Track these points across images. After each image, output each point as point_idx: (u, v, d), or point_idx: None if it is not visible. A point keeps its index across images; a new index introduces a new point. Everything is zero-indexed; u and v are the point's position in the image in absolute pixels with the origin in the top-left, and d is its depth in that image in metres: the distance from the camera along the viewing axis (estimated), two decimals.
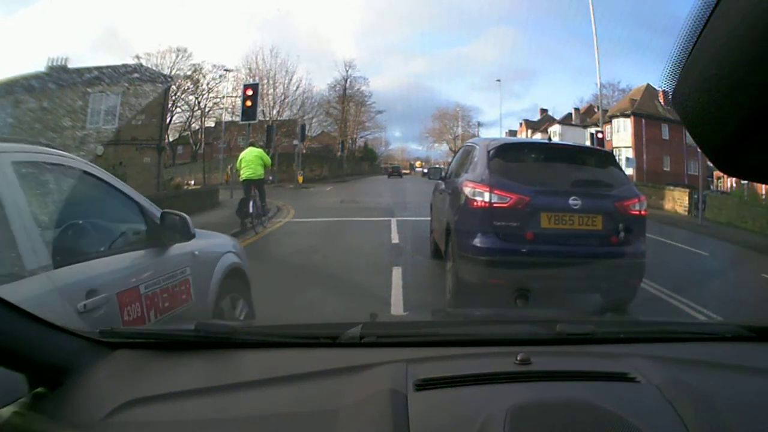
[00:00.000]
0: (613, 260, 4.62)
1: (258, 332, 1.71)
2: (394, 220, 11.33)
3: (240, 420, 1.19)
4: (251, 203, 10.35)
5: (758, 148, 0.52)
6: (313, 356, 1.52)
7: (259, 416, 1.20)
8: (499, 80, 43.06)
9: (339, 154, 41.54)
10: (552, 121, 43.97)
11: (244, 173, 10.69)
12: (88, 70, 16.48)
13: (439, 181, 7.03)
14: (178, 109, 40.05)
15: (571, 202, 4.57)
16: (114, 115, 15.39)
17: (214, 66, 38.87)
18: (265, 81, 38.17)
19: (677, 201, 21.68)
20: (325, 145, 43.85)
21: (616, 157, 6.41)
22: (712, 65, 0.50)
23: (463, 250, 4.78)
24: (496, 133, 44.35)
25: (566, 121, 43.10)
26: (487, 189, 4.64)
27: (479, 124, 46.91)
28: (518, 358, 1.37)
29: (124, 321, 2.22)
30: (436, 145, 48.56)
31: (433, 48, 67.52)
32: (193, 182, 23.15)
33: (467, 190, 4.88)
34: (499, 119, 60.30)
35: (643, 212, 4.89)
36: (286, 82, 38.84)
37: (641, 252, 4.81)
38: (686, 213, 20.50)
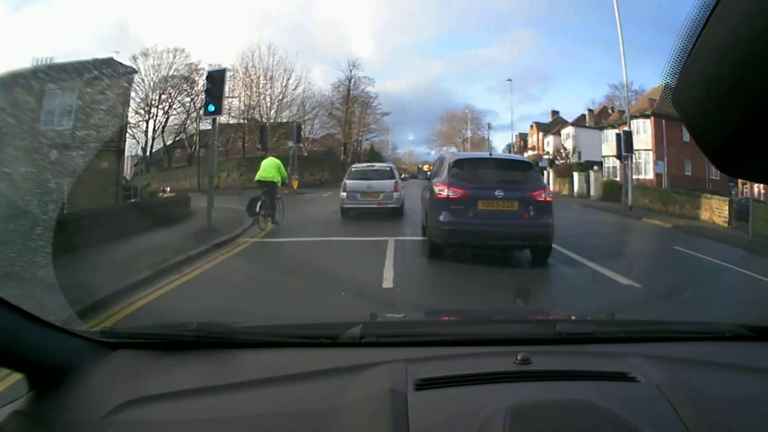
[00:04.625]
0: (525, 228, 7.33)
1: (258, 332, 1.69)
2: (391, 242, 9.06)
3: (240, 420, 1.19)
4: (259, 203, 11.07)
5: (758, 148, 0.51)
6: (313, 356, 1.52)
7: (259, 416, 1.20)
8: (510, 80, 41.77)
9: (342, 157, 39.51)
10: (564, 123, 42.60)
11: (258, 175, 11.67)
12: (50, 67, 14.39)
13: (426, 180, 10.19)
14: (174, 111, 38.49)
15: (496, 193, 7.29)
16: (69, 114, 13.25)
17: (210, 65, 37.17)
18: (262, 80, 36.35)
19: (715, 210, 19.28)
20: (328, 148, 41.83)
21: (534, 165, 9.42)
22: (712, 65, 0.50)
23: (432, 223, 7.62)
24: (507, 136, 48.22)
25: (580, 122, 41.55)
26: (446, 187, 7.45)
27: (489, 126, 45.23)
28: (518, 358, 1.37)
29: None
30: (445, 148, 46.67)
31: (451, 50, 66.07)
32: (169, 189, 21.07)
33: (436, 188, 7.71)
34: (511, 120, 60.35)
35: (548, 199, 7.51)
36: (284, 80, 36.94)
37: (547, 223, 7.33)
38: (726, 224, 18.12)
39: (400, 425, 1.08)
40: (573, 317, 2.31)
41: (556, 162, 36.57)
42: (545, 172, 34.07)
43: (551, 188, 30.67)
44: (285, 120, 36.49)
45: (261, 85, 35.80)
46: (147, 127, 38.36)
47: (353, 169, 14.51)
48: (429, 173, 10.20)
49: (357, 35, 63.22)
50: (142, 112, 37.41)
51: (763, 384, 1.38)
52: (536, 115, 49.55)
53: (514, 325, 2.00)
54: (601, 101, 43.20)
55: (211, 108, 10.92)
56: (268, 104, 35.80)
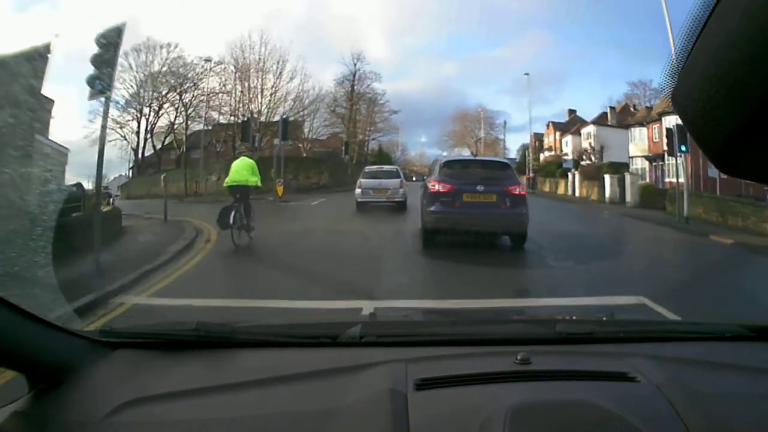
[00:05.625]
0: (502, 216, 8.78)
1: (258, 332, 1.70)
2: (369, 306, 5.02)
3: (240, 420, 1.19)
4: (233, 213, 9.18)
5: (758, 148, 0.51)
6: (313, 356, 1.52)
7: (259, 416, 1.20)
8: (527, 74, 39.16)
9: (344, 157, 36.12)
10: (582, 122, 40.06)
11: (229, 179, 9.86)
12: None
13: (424, 179, 12.51)
14: (164, 110, 35.63)
15: (478, 188, 8.80)
16: None
17: (199, 58, 34.18)
18: (253, 71, 32.87)
19: None
20: (333, 149, 38.44)
21: (512, 165, 11.06)
22: (712, 65, 0.50)
23: (426, 213, 9.19)
24: (520, 137, 50.56)
25: (601, 121, 38.50)
26: (437, 183, 9.02)
27: (505, 124, 42.38)
28: (518, 358, 1.38)
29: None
30: (457, 149, 43.44)
31: (462, 51, 65.59)
32: (112, 199, 17.59)
33: (429, 185, 9.42)
34: (529, 117, 57.71)
35: (521, 193, 9.06)
36: (277, 70, 33.24)
37: (521, 213, 8.87)
38: None
39: (400, 425, 1.09)
40: (573, 317, 2.31)
41: (582, 163, 32.87)
42: (569, 174, 30.47)
43: (577, 193, 27.41)
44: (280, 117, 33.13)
45: (252, 78, 32.41)
46: (138, 127, 35.76)
47: (366, 170, 17.41)
48: (427, 174, 12.79)
49: (368, 36, 62.32)
50: (133, 111, 35.02)
51: (763, 384, 1.39)
52: (549, 117, 48.28)
53: (514, 324, 2.01)
54: (619, 99, 40.51)
55: (98, 84, 7.34)
56: (260, 99, 32.32)
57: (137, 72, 34.69)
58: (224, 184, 9.97)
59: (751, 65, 0.46)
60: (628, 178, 23.41)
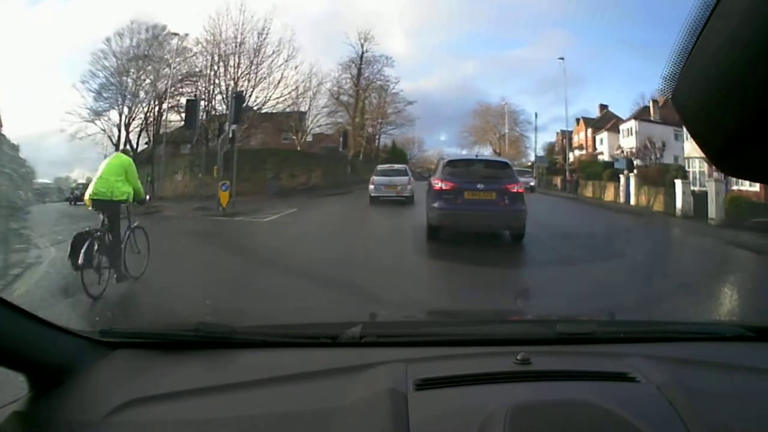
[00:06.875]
0: (501, 213, 9.45)
1: (258, 332, 1.70)
2: None
3: (240, 420, 1.19)
4: (87, 243, 5.53)
5: (758, 148, 0.51)
6: (313, 356, 1.52)
7: (259, 416, 1.20)
8: (562, 58, 32.68)
9: (345, 152, 30.41)
10: (617, 118, 35.27)
11: (93, 189, 6.11)
12: None
13: (429, 178, 12.61)
14: (139, 100, 30.31)
15: (478, 186, 9.47)
16: None
17: (173, 34, 28.77)
18: (229, 46, 27.14)
19: None
20: (337, 144, 32.81)
21: (511, 164, 11.24)
22: (712, 65, 0.50)
23: (430, 209, 9.91)
24: (541, 137, 48.04)
25: (642, 115, 32.65)
26: (440, 181, 9.73)
27: (536, 116, 38.19)
28: (518, 358, 1.38)
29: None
30: (477, 147, 37.87)
31: (484, 50, 60.65)
32: None
33: (433, 183, 10.08)
34: (565, 108, 54.48)
35: (519, 191, 9.67)
36: (256, 41, 27.30)
37: (519, 209, 9.51)
38: None
39: (400, 425, 1.09)
40: (573, 318, 2.28)
41: (637, 163, 26.64)
42: (622, 176, 24.39)
43: (632, 200, 21.71)
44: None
45: (226, 54, 26.59)
46: (120, 120, 30.59)
47: (379, 169, 19.46)
48: (431, 173, 14.74)
49: (387, 32, 58.81)
50: (113, 101, 30.03)
51: (763, 384, 1.39)
52: (572, 115, 44.31)
53: (514, 325, 2.00)
54: (653, 94, 35.26)
55: None
56: (232, 79, 26.37)
57: (118, 59, 29.87)
58: (86, 197, 6.28)
59: (751, 65, 0.46)
60: (712, 186, 17.28)
